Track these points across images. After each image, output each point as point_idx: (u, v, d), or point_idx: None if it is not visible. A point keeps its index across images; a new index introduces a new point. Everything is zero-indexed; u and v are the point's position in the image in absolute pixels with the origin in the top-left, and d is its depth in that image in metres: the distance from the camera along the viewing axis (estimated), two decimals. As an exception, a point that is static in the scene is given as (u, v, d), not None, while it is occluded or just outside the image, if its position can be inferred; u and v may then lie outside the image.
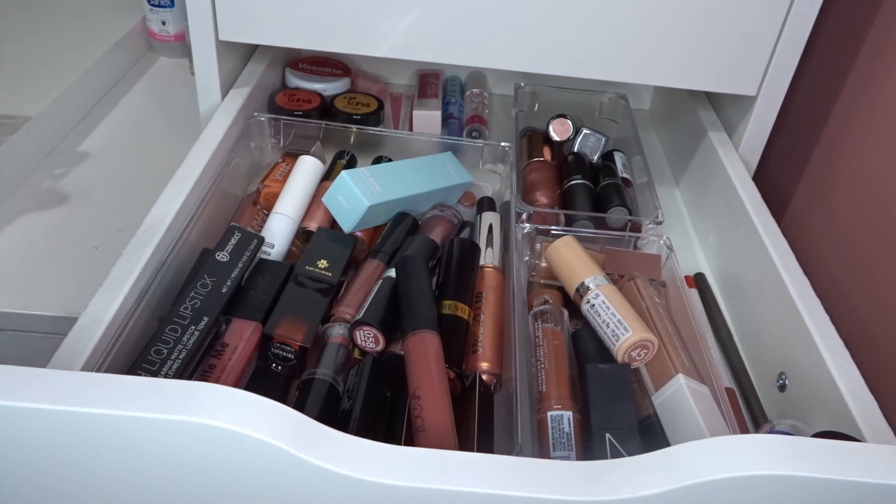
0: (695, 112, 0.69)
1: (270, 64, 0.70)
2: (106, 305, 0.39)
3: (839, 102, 0.61)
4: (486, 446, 0.41)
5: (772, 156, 0.67)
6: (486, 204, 0.60)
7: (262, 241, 0.48)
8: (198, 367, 0.41)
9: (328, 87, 0.72)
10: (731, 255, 0.58)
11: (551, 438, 0.41)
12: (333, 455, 0.29)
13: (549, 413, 0.42)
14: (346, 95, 0.72)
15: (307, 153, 0.58)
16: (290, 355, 0.44)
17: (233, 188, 0.58)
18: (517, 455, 0.33)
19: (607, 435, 0.40)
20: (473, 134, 0.71)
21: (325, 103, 0.71)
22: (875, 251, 0.53)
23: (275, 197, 0.56)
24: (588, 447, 0.41)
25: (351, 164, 0.63)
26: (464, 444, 0.40)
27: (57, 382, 0.31)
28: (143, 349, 0.39)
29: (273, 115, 0.64)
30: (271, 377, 0.45)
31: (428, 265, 0.50)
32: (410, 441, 0.40)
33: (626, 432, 0.40)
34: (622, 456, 0.38)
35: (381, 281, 0.48)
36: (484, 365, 0.46)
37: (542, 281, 0.53)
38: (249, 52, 0.69)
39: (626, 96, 0.74)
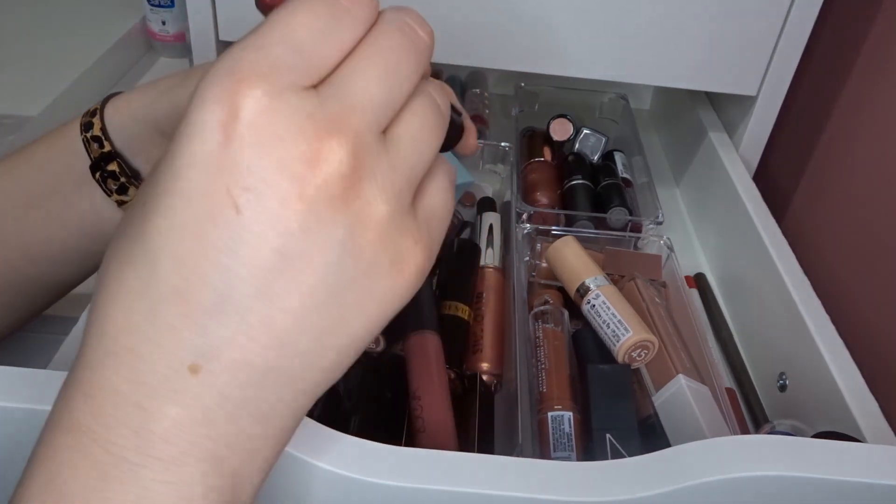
0: (695, 112, 0.69)
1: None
2: (106, 306, 0.39)
3: (839, 102, 0.61)
4: (486, 446, 0.41)
5: (772, 156, 0.67)
6: (486, 204, 0.60)
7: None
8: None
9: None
10: (731, 255, 0.58)
11: (552, 439, 0.41)
12: (334, 456, 0.29)
13: (549, 413, 0.42)
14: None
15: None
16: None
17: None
18: (518, 456, 0.33)
19: (608, 435, 0.40)
20: (473, 134, 0.71)
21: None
22: (875, 251, 0.53)
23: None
24: (589, 448, 0.41)
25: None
26: (464, 445, 0.40)
27: (57, 384, 0.31)
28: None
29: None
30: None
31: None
32: (411, 441, 0.40)
33: (627, 433, 0.40)
34: (623, 456, 0.38)
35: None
36: (484, 365, 0.46)
37: (542, 281, 0.53)
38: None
39: (626, 96, 0.74)
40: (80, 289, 0.44)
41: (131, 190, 0.39)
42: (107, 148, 0.39)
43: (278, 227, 0.20)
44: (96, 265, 0.43)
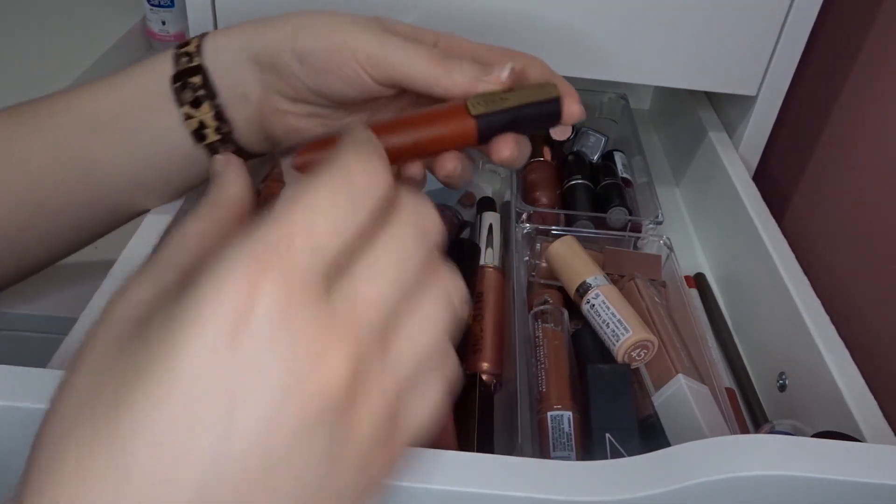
0: (695, 112, 0.69)
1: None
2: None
3: (839, 102, 0.61)
4: (486, 446, 0.41)
5: (772, 156, 0.67)
6: (486, 204, 0.60)
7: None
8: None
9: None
10: (731, 255, 0.58)
11: (551, 439, 0.41)
12: (334, 455, 0.29)
13: (549, 413, 0.42)
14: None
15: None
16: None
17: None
18: (518, 455, 0.33)
19: (607, 435, 0.40)
20: (473, 134, 0.71)
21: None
22: (875, 251, 0.53)
23: (275, 197, 0.55)
24: (588, 447, 0.41)
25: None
26: (464, 444, 0.40)
27: (57, 384, 0.31)
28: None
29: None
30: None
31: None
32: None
33: (627, 432, 0.40)
34: (622, 456, 0.38)
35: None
36: (484, 365, 0.46)
37: (542, 281, 0.53)
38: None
39: (626, 96, 0.74)
40: (81, 288, 0.44)
41: (204, 106, 0.40)
42: (195, 62, 0.40)
43: (269, 431, 0.20)
44: (156, 194, 0.44)
